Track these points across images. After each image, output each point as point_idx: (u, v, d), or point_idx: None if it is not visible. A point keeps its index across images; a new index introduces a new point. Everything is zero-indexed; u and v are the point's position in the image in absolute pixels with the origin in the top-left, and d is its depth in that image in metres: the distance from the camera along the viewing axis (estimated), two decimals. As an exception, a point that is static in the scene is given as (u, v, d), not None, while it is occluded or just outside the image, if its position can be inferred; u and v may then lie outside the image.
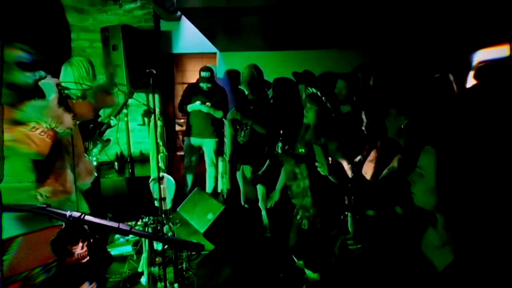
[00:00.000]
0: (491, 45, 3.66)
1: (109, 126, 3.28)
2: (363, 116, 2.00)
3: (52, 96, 1.64)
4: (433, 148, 1.04)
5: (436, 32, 3.92)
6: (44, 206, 0.81)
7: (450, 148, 1.01)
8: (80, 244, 1.09)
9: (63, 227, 1.06)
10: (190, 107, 4.18)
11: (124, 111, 4.30)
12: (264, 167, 3.26)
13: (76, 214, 0.82)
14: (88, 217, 0.82)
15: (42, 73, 1.64)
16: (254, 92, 3.43)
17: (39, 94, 1.70)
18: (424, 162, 1.05)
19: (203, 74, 4.12)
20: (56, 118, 1.60)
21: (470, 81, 3.08)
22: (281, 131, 2.27)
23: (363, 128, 2.01)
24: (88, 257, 1.11)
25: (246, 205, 3.63)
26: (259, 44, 4.46)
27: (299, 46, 4.67)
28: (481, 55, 3.72)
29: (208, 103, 4.10)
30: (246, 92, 3.58)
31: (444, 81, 1.93)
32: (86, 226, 1.08)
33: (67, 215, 0.81)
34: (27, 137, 1.50)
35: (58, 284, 1.12)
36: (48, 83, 1.65)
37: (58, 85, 1.66)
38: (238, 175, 3.64)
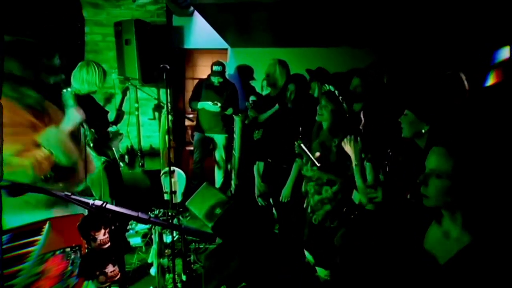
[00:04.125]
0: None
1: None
2: (361, 116, 1.99)
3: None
4: (443, 149, 1.04)
5: (451, 30, 3.88)
6: (69, 194, 0.85)
7: (467, 147, 1.01)
8: (102, 231, 1.14)
9: (84, 215, 1.11)
10: (200, 105, 4.21)
11: (135, 105, 4.37)
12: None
13: (98, 202, 0.86)
14: (109, 206, 0.86)
15: (63, 76, 1.62)
16: (273, 86, 3.42)
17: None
18: (436, 163, 1.05)
19: (215, 68, 4.14)
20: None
21: (489, 79, 3.04)
22: (300, 129, 2.25)
23: (361, 127, 2.00)
24: (109, 243, 1.17)
25: (259, 199, 3.65)
26: (270, 40, 4.46)
27: (310, 43, 4.66)
28: (505, 52, 3.63)
29: (218, 103, 4.12)
30: (264, 90, 3.58)
31: (456, 78, 1.92)
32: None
33: (90, 203, 0.85)
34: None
35: (86, 264, 1.19)
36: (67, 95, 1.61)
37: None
38: (255, 169, 3.67)
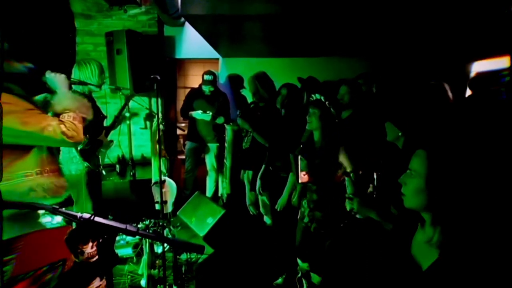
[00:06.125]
0: (491, 56, 3.72)
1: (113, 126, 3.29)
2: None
3: (64, 89, 1.68)
4: (423, 151, 1.09)
5: (438, 41, 3.98)
6: (57, 207, 0.85)
7: (440, 151, 1.07)
8: (90, 244, 1.13)
9: (72, 227, 1.10)
10: (192, 115, 4.23)
11: (127, 114, 4.36)
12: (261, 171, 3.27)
13: (86, 215, 0.86)
14: (97, 219, 0.86)
15: (31, 65, 1.62)
16: (262, 100, 3.45)
17: (46, 89, 1.74)
18: (415, 164, 1.11)
19: (206, 77, 4.17)
20: (81, 106, 1.65)
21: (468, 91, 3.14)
22: (301, 146, 2.31)
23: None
24: (97, 256, 1.16)
25: (251, 207, 3.64)
26: (261, 50, 4.51)
27: (301, 53, 4.73)
28: (479, 66, 3.77)
29: (209, 112, 4.15)
30: (254, 99, 3.59)
31: (439, 88, 1.98)
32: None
33: (78, 216, 0.85)
34: (57, 124, 1.51)
35: (70, 280, 1.15)
36: (54, 78, 1.69)
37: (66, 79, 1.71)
38: (245, 178, 3.67)
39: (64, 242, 1.05)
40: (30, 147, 1.53)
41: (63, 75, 1.71)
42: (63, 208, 0.92)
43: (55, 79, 1.68)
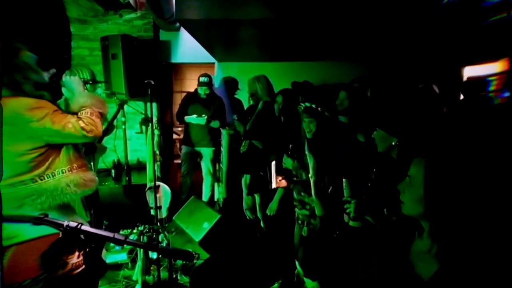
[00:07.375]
0: (480, 62, 3.74)
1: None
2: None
3: (81, 88, 1.79)
4: (422, 159, 1.08)
5: (432, 46, 3.99)
6: (43, 216, 0.84)
7: (438, 158, 1.06)
8: (76, 254, 1.11)
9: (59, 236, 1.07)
10: (187, 119, 4.23)
11: (122, 119, 4.35)
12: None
13: (73, 224, 0.84)
14: (84, 227, 0.85)
15: (54, 70, 1.73)
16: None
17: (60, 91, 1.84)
18: (413, 172, 1.10)
19: (202, 79, 4.18)
20: (96, 101, 1.73)
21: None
22: (290, 145, 2.27)
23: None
24: (83, 266, 1.13)
25: (247, 212, 3.63)
26: (257, 55, 4.52)
27: (296, 57, 4.74)
28: (470, 71, 3.79)
29: (204, 116, 4.14)
30: (251, 102, 3.58)
31: (428, 91, 1.97)
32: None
33: (65, 225, 0.84)
34: (76, 121, 1.58)
35: None
36: (70, 80, 1.79)
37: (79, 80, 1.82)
38: (242, 182, 3.66)
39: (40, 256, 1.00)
40: (61, 145, 1.63)
41: (76, 77, 1.82)
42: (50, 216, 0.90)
43: (71, 81, 1.79)
